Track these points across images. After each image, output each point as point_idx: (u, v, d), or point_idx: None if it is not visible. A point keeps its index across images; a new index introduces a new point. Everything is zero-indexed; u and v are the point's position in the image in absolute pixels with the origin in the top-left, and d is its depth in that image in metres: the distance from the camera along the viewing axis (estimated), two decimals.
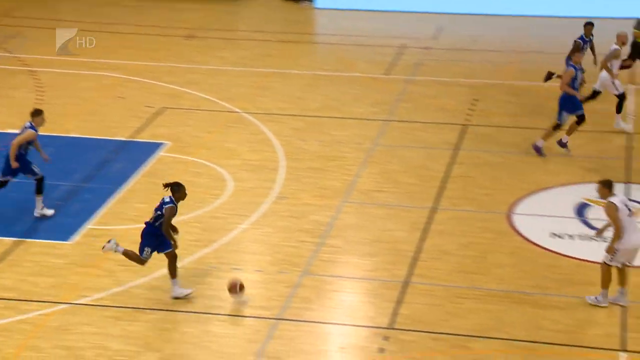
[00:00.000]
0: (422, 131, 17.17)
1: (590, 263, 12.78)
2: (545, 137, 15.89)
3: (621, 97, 16.66)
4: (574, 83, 15.66)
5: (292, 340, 11.28)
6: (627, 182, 14.98)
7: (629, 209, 11.52)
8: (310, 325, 11.58)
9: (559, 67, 19.33)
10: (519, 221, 13.93)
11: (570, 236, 13.50)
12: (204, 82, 19.57)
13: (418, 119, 17.71)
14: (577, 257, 12.96)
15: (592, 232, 13.51)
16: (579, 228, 13.72)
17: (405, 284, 12.36)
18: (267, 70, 20.40)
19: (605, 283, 11.58)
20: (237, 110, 18.18)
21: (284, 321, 11.60)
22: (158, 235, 11.73)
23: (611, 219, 11.49)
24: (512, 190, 14.84)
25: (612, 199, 11.53)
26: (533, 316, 11.62)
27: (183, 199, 11.82)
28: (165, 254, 11.78)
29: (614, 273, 11.66)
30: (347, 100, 18.63)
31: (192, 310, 11.76)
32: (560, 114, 15.75)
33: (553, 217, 14.02)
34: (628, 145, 16.15)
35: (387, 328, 11.47)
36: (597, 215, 14.04)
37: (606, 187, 11.64)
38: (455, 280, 12.46)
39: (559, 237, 13.47)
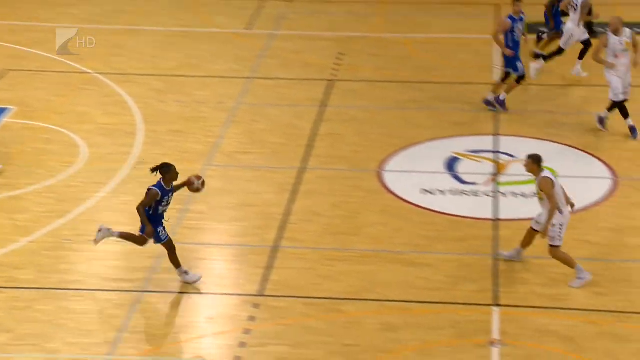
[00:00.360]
0: (287, 88, 17.20)
1: (461, 218, 13.16)
2: (508, 90, 15.87)
3: (560, 51, 16.79)
4: (512, 36, 15.70)
5: (156, 312, 11.20)
6: (496, 134, 15.45)
7: (558, 182, 11.45)
8: (175, 297, 11.51)
9: (423, 17, 19.67)
10: (389, 178, 14.18)
11: (442, 192, 13.84)
12: (51, 42, 18.97)
13: (283, 75, 17.72)
14: (448, 212, 13.31)
15: (464, 187, 13.91)
16: (450, 183, 14.08)
17: (275, 248, 12.42)
18: (120, 28, 19.96)
19: (571, 263, 11.55)
20: (88, 71, 17.74)
21: (147, 293, 11.49)
22: (157, 220, 11.42)
23: (548, 196, 11.31)
24: (381, 146, 15.07)
25: (546, 175, 11.37)
26: (406, 275, 11.90)
27: (175, 178, 11.46)
28: (141, 234, 11.48)
29: (527, 233, 11.76)
30: (207, 58, 18.44)
31: (47, 287, 11.50)
32: (513, 66, 15.73)
33: (423, 173, 14.33)
34: (495, 97, 16.58)
35: (257, 295, 11.52)
36: (467, 169, 14.45)
37: (535, 162, 11.42)
38: (326, 242, 12.60)
39: (430, 193, 13.80)
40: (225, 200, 13.60)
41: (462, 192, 13.81)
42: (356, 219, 13.14)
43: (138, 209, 11.31)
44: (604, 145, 15.00)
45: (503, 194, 13.73)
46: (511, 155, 14.77)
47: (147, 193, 11.33)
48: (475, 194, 13.79)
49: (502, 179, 14.16)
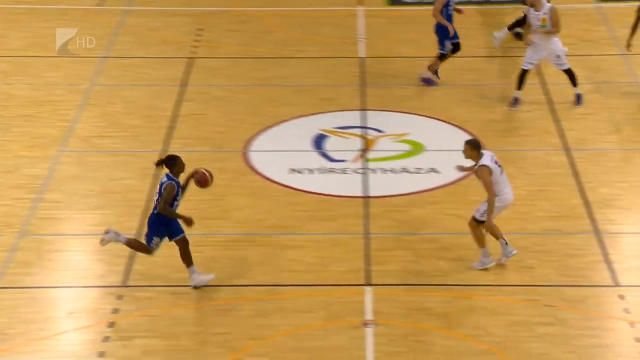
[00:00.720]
0: (145, 67, 17.00)
1: (331, 197, 13.31)
2: (431, 67, 15.97)
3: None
4: (447, 10, 15.72)
5: (11, 309, 10.96)
6: (363, 109, 15.67)
7: (499, 165, 11.48)
8: (32, 292, 11.29)
9: None
10: (255, 159, 14.22)
11: (310, 170, 13.97)
12: None
13: (139, 54, 17.50)
14: (318, 191, 13.45)
15: (332, 164, 14.06)
16: (318, 161, 14.22)
17: (139, 236, 12.27)
18: None
19: (482, 243, 11.62)
20: None
21: (0, 290, 11.20)
22: (167, 224, 11.07)
23: (485, 184, 11.31)
24: (246, 126, 15.09)
25: (484, 162, 11.32)
26: (276, 258, 11.98)
27: (182, 170, 11.15)
28: (175, 241, 11.15)
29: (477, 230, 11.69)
30: (56, 37, 18.02)
31: None
32: (441, 42, 15.81)
33: (291, 152, 14.43)
34: (361, 71, 16.85)
35: (121, 286, 11.40)
36: (335, 146, 14.62)
37: (474, 148, 11.37)
38: (193, 227, 12.53)
39: (299, 172, 13.90)
40: (83, 187, 13.37)
41: (331, 170, 13.97)
42: (223, 202, 13.13)
43: (163, 210, 10.99)
44: (471, 117, 15.42)
45: (372, 170, 13.96)
46: (379, 130, 15.02)
47: (163, 190, 11.03)
48: (344, 171, 13.97)
49: (370, 154, 14.39)
